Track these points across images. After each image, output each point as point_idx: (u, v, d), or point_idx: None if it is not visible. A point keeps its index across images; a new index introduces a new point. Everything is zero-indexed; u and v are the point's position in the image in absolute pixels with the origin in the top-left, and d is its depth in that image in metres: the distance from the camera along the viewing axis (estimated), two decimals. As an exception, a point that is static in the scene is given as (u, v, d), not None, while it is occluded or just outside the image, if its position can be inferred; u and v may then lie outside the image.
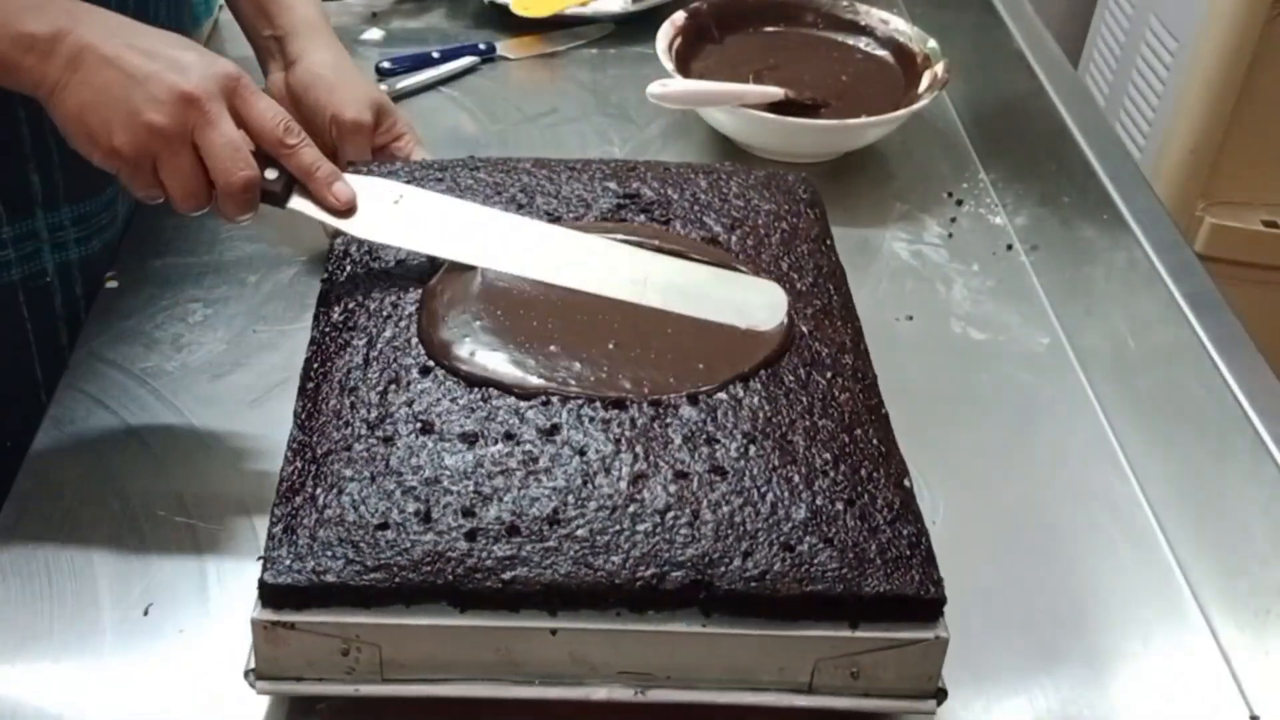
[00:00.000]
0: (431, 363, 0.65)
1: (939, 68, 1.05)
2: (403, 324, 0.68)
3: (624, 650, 0.56)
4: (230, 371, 0.79)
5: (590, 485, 0.59)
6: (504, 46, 1.18)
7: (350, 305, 0.69)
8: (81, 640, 0.63)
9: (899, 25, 1.11)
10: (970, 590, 0.67)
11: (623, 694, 0.57)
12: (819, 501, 0.59)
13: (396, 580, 0.55)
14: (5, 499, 0.70)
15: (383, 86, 1.09)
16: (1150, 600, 0.69)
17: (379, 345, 0.66)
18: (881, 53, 1.11)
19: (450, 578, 0.55)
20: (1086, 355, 0.85)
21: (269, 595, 0.55)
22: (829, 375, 0.66)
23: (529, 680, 0.57)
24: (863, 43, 1.13)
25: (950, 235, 0.97)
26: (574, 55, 1.19)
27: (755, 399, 0.64)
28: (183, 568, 0.66)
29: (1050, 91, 1.02)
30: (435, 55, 1.14)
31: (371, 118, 0.86)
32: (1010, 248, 0.96)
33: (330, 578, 0.55)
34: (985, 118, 1.11)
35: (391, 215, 0.72)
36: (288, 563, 0.56)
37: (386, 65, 1.12)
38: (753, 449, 0.61)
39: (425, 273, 0.71)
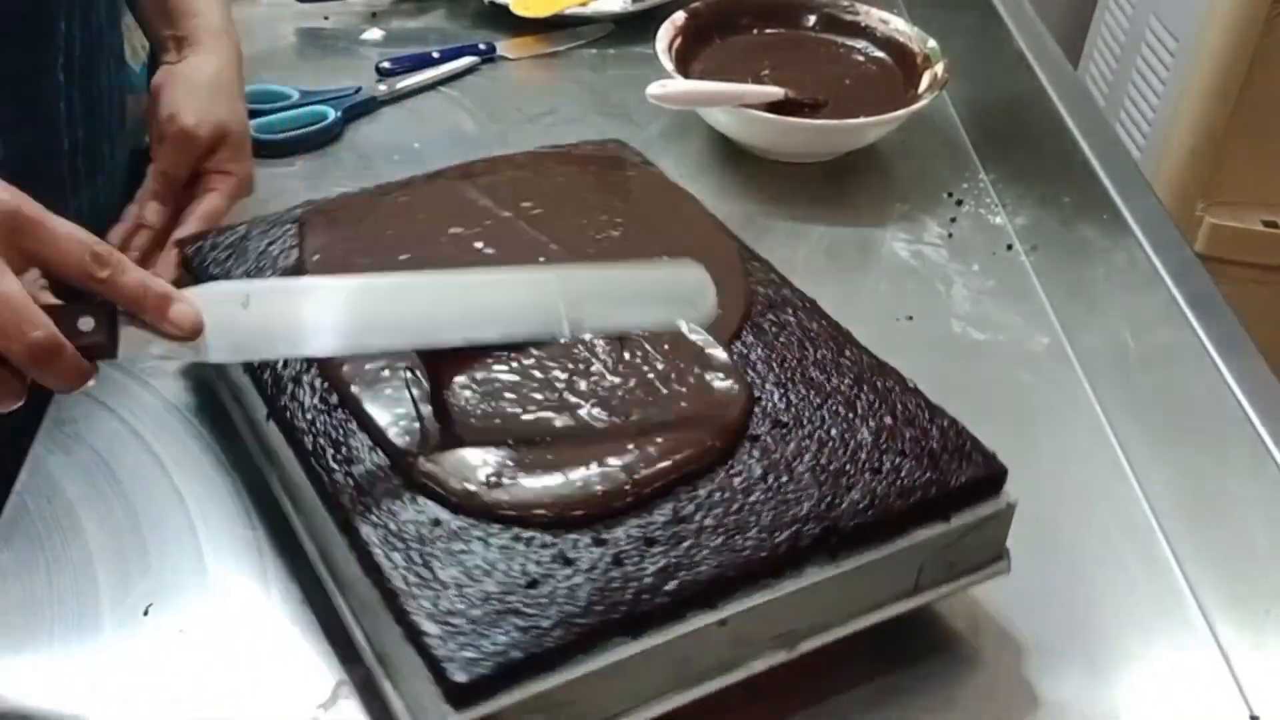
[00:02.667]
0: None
1: (939, 68, 1.05)
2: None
3: (773, 617, 0.57)
4: (230, 371, 0.79)
5: None
6: (504, 46, 1.18)
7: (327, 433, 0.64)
8: (81, 640, 0.63)
9: (899, 25, 1.11)
10: (969, 589, 0.68)
11: (778, 658, 0.58)
12: (871, 422, 0.63)
13: (576, 630, 0.52)
14: (5, 499, 0.70)
15: (382, 87, 1.09)
16: (1150, 600, 0.69)
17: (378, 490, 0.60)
18: (881, 53, 1.11)
19: (625, 608, 0.53)
20: (1086, 355, 0.85)
21: (462, 696, 0.50)
22: (789, 311, 0.70)
23: (699, 680, 0.56)
24: (862, 43, 1.12)
25: (950, 235, 0.97)
26: (574, 55, 1.19)
27: (758, 350, 0.67)
28: (183, 568, 0.66)
29: (1050, 91, 1.02)
30: (435, 55, 1.14)
31: (208, 138, 0.82)
32: (1010, 248, 0.96)
33: (516, 653, 0.51)
34: (985, 118, 1.11)
35: (244, 324, 0.59)
36: (466, 655, 0.51)
37: (386, 65, 1.12)
38: (792, 395, 0.65)
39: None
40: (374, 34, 1.20)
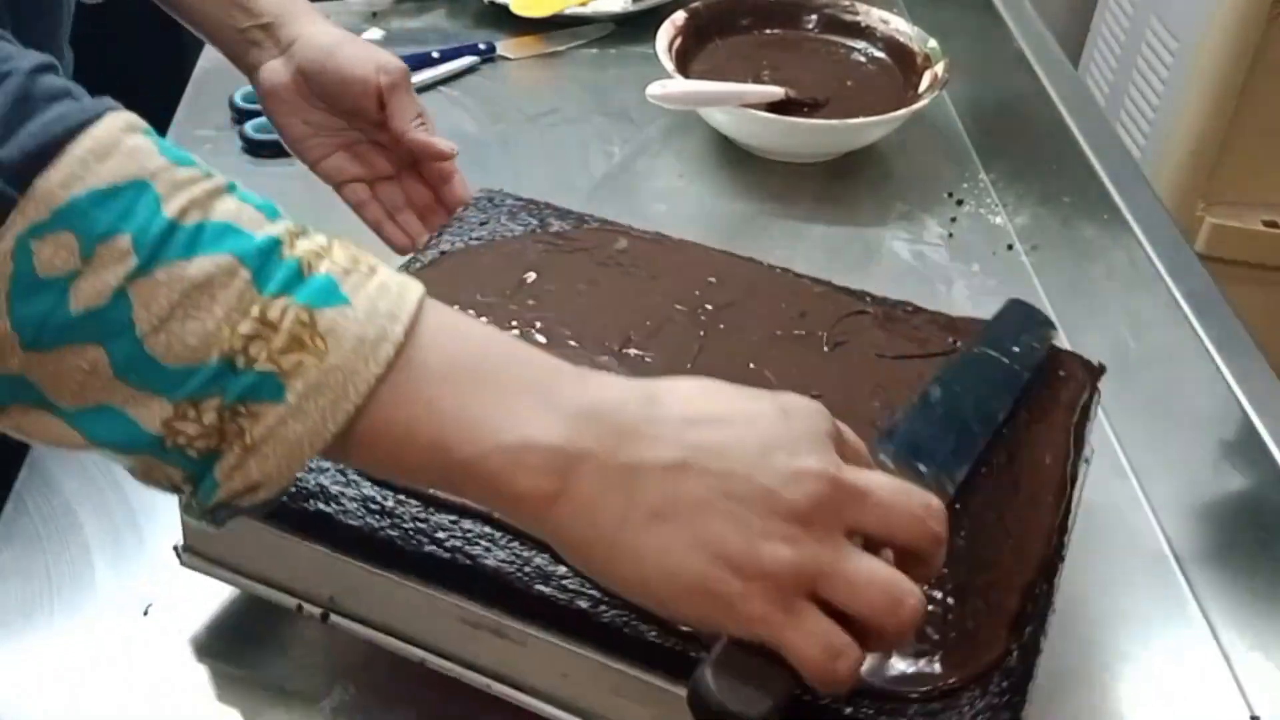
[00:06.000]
0: None
1: (939, 68, 1.05)
2: None
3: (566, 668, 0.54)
4: (230, 371, 0.79)
5: None
6: (504, 46, 1.18)
7: None
8: (81, 640, 0.63)
9: (899, 25, 1.11)
10: (970, 590, 0.68)
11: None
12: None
13: (367, 527, 0.55)
14: (5, 499, 0.70)
15: (383, 86, 1.09)
16: (1150, 600, 0.69)
17: None
18: (881, 53, 1.11)
19: (402, 541, 0.55)
20: (1086, 355, 0.85)
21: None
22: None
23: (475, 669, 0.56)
24: (862, 43, 1.13)
25: (950, 235, 0.97)
26: (574, 55, 1.19)
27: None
28: (182, 567, 0.66)
29: (1050, 91, 1.02)
30: (435, 55, 1.14)
31: None
32: (1010, 248, 0.96)
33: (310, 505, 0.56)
34: (985, 118, 1.11)
35: None
36: None
37: (387, 65, 1.12)
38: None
39: None
40: (374, 34, 1.20)
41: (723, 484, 0.42)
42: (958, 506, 0.57)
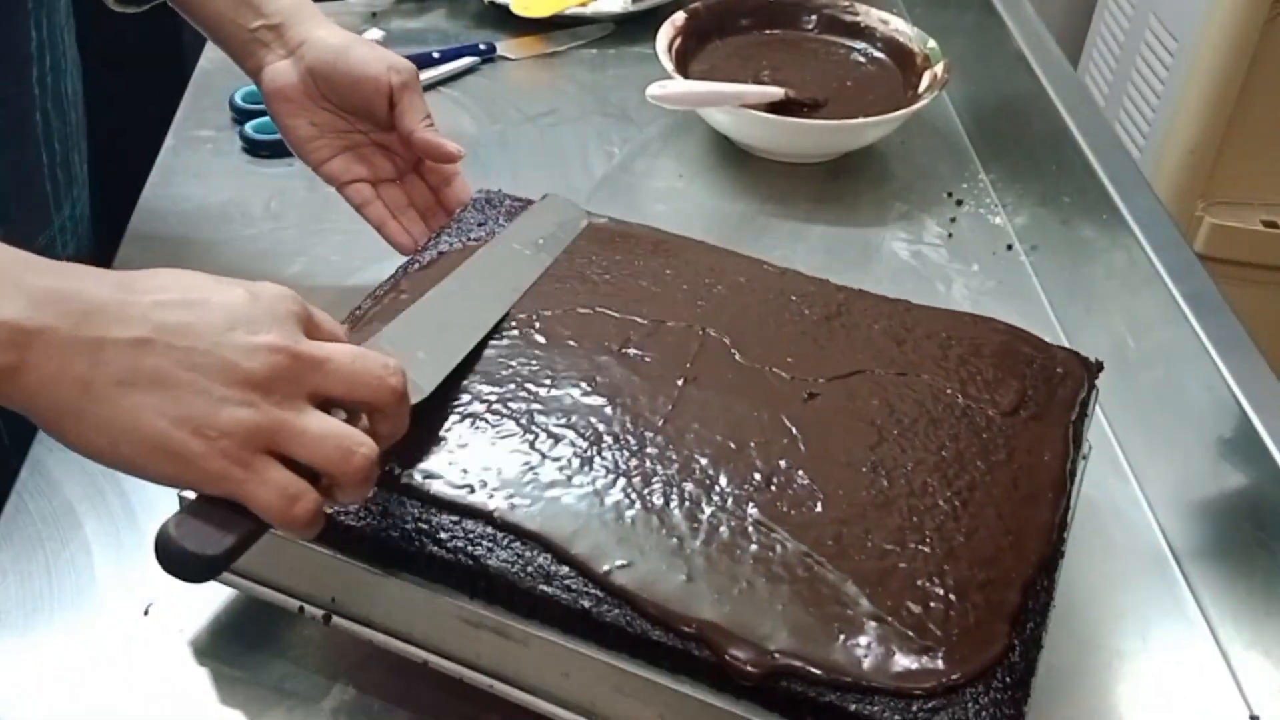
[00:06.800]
0: None
1: (939, 68, 1.05)
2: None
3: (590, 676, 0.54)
4: (230, 371, 0.79)
5: None
6: (504, 46, 1.18)
7: None
8: (81, 640, 0.63)
9: (899, 26, 1.11)
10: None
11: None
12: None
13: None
14: (5, 499, 0.70)
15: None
16: (1150, 600, 0.69)
17: None
18: (881, 53, 1.11)
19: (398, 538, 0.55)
20: (1086, 355, 0.85)
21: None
22: None
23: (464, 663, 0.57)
24: (862, 44, 1.13)
25: (950, 235, 0.97)
26: (574, 55, 1.20)
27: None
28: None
29: (1050, 91, 1.02)
30: (435, 55, 1.14)
31: None
32: (1010, 248, 0.96)
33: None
34: (985, 118, 1.11)
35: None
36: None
37: (386, 65, 1.12)
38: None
39: None
40: (374, 34, 1.20)
41: (186, 357, 0.48)
42: (959, 504, 0.57)
